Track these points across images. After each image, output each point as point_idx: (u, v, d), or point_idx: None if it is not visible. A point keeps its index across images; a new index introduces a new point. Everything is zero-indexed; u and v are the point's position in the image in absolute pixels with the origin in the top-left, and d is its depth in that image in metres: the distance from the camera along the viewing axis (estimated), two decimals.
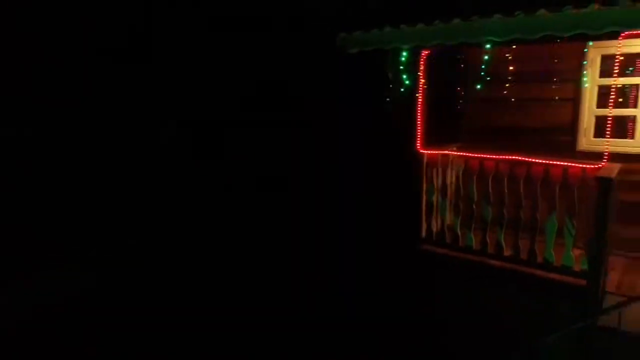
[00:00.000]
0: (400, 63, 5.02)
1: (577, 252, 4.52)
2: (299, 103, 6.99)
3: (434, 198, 5.40)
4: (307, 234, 6.66)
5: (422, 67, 5.25)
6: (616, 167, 4.35)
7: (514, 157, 4.80)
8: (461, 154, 5.16)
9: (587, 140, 5.46)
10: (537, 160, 4.66)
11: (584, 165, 4.39)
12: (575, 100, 5.48)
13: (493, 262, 5.04)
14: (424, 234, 5.52)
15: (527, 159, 4.72)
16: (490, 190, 4.96)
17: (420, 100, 5.31)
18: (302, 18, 6.63)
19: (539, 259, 4.73)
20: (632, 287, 4.49)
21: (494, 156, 4.92)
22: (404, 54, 5.10)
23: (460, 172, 5.18)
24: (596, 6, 3.90)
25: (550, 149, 5.37)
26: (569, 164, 4.47)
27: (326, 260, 6.36)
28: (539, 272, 4.75)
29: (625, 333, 3.89)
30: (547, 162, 4.59)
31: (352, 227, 6.42)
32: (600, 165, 4.33)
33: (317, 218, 6.79)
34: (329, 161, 6.53)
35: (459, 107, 6.18)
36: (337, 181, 6.59)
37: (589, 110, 5.41)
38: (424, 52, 5.19)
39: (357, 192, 6.42)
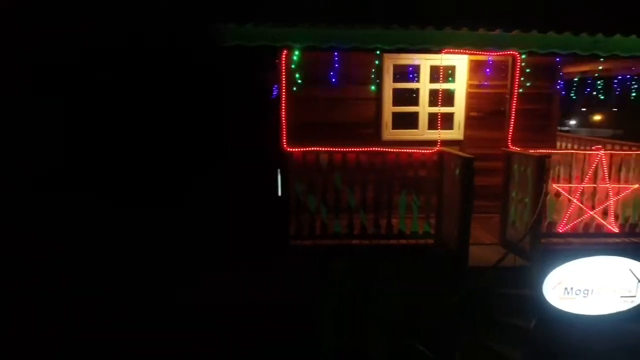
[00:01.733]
0: (274, 62, 4.93)
1: (421, 220, 5.78)
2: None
3: (302, 193, 5.59)
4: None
5: (283, 67, 5.29)
6: (449, 149, 5.70)
7: (372, 149, 5.60)
8: (325, 149, 5.54)
9: (388, 132, 6.84)
10: (389, 150, 5.61)
11: (424, 151, 5.63)
12: (377, 100, 6.75)
13: (357, 241, 5.73)
14: (293, 230, 5.64)
15: (382, 150, 5.60)
16: (353, 179, 5.59)
17: (284, 99, 5.35)
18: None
19: (395, 231, 5.76)
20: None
21: (355, 149, 5.56)
22: (276, 53, 5.05)
23: (325, 166, 5.57)
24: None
25: (362, 140, 6.48)
26: (413, 150, 5.62)
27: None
28: (393, 242, 5.78)
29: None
30: (398, 150, 5.60)
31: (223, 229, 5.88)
32: (435, 150, 5.66)
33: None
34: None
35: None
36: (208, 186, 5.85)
37: (388, 107, 6.78)
38: (284, 52, 5.25)
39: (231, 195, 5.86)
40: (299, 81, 6.22)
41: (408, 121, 6.85)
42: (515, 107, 5.67)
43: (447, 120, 6.94)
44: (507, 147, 5.83)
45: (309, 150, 5.54)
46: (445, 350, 5.28)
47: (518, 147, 5.84)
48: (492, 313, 4.89)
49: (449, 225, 5.44)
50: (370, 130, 6.82)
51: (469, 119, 6.89)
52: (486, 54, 5.76)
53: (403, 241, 5.78)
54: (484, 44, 4.96)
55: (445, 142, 6.80)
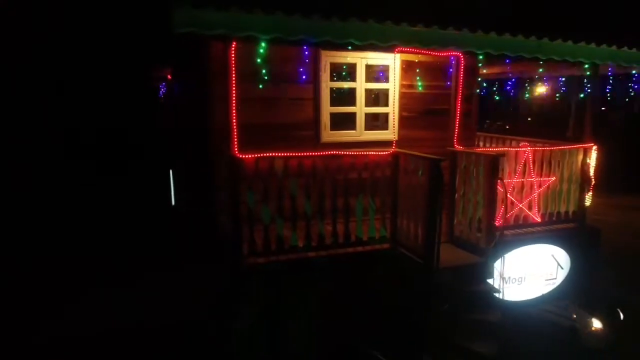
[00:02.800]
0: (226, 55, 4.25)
1: (377, 223, 5.58)
2: None
3: (255, 205, 4.96)
4: None
5: (233, 61, 4.62)
6: (405, 150, 5.56)
7: (329, 153, 5.23)
8: (280, 154, 4.99)
9: (326, 133, 6.49)
10: (344, 153, 5.29)
11: (380, 152, 5.43)
12: (315, 100, 6.35)
13: (314, 253, 5.30)
14: (246, 247, 4.99)
15: (337, 153, 5.26)
16: (309, 185, 5.14)
17: (234, 99, 4.68)
18: None
19: (353, 238, 5.46)
20: None
21: (313, 154, 5.13)
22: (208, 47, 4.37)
23: (280, 173, 5.02)
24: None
25: (300, 143, 6.07)
26: (370, 152, 5.39)
27: None
28: (350, 250, 5.47)
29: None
30: (353, 153, 5.31)
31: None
32: (390, 152, 5.50)
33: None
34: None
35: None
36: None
37: (326, 108, 6.43)
38: (234, 44, 4.59)
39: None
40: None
41: (343, 122, 6.61)
42: (460, 107, 5.80)
43: (383, 120, 6.88)
44: (452, 146, 5.94)
45: (262, 156, 4.94)
46: (411, 354, 5.18)
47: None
48: (461, 312, 4.90)
49: (409, 228, 5.34)
50: (309, 132, 6.40)
51: (402, 119, 6.89)
52: (426, 54, 5.76)
53: (360, 248, 5.53)
54: (448, 43, 4.94)
55: (381, 142, 6.76)
